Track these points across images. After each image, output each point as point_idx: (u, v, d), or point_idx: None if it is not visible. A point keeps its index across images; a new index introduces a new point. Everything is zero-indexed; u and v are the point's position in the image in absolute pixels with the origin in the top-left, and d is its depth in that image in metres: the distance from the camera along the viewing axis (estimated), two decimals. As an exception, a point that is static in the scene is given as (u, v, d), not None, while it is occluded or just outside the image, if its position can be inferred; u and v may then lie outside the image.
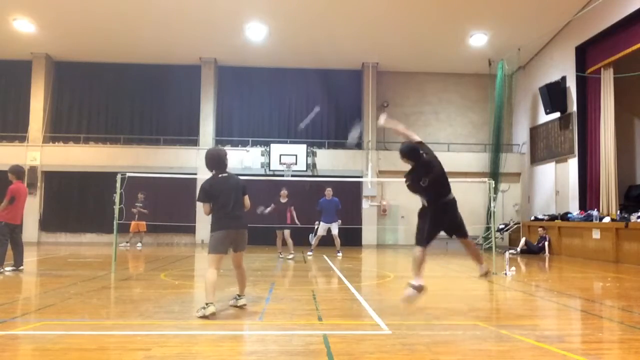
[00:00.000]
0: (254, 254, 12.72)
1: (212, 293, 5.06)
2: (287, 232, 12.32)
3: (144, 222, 15.65)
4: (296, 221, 12.44)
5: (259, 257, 12.28)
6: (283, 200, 12.32)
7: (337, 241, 13.16)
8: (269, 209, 11.95)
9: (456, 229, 5.78)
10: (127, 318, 5.14)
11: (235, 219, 5.33)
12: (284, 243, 12.38)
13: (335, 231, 13.10)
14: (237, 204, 5.37)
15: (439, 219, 5.52)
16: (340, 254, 12.98)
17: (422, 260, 5.43)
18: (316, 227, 13.36)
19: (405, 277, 8.09)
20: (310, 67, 19.18)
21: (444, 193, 5.59)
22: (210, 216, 5.39)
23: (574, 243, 14.09)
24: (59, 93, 19.09)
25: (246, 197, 5.54)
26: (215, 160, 5.48)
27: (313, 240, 13.41)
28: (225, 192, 5.32)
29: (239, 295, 5.64)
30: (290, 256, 12.17)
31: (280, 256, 12.34)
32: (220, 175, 5.41)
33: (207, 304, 4.99)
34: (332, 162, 18.44)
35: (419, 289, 5.32)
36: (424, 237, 5.47)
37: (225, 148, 18.31)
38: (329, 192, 13.28)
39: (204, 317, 4.93)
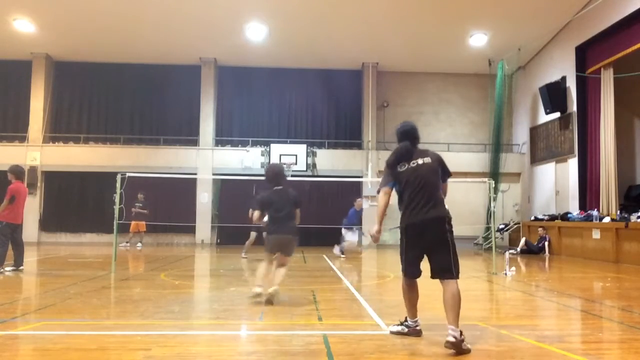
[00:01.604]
0: (253, 254, 12.70)
1: (260, 279, 5.97)
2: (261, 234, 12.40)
3: (144, 222, 15.66)
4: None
5: (258, 257, 12.26)
6: None
7: (354, 246, 13.18)
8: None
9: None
10: (127, 318, 5.14)
11: (282, 227, 6.04)
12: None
13: (356, 237, 13.05)
14: (287, 214, 6.05)
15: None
16: (344, 256, 12.97)
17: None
18: (344, 234, 12.99)
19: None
20: (310, 67, 19.18)
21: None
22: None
23: (574, 243, 14.09)
24: (59, 93, 19.08)
25: (297, 211, 6.19)
26: (274, 175, 6.20)
27: (340, 249, 13.09)
28: (278, 203, 6.05)
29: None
30: (243, 253, 12.23)
31: (244, 256, 12.27)
32: (275, 188, 6.15)
33: (257, 286, 5.90)
34: (332, 162, 18.43)
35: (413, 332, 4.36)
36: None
37: (226, 148, 18.46)
38: (359, 202, 12.91)
39: (252, 297, 5.83)
